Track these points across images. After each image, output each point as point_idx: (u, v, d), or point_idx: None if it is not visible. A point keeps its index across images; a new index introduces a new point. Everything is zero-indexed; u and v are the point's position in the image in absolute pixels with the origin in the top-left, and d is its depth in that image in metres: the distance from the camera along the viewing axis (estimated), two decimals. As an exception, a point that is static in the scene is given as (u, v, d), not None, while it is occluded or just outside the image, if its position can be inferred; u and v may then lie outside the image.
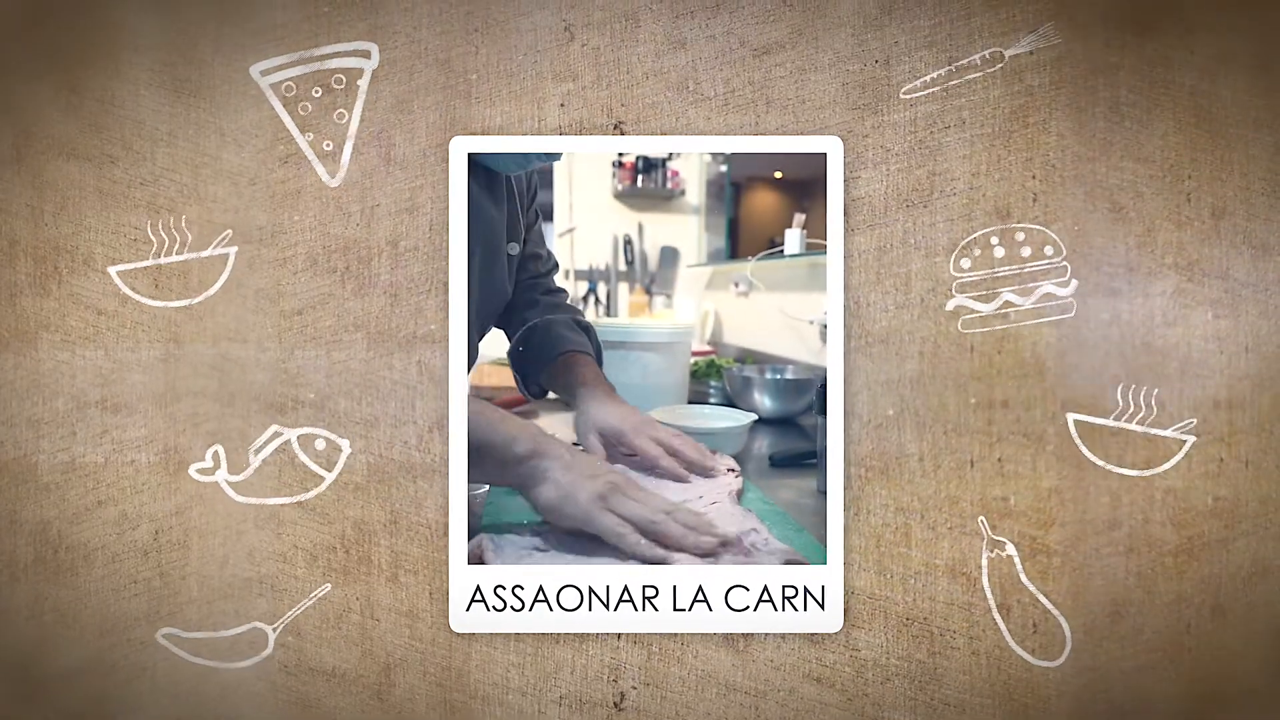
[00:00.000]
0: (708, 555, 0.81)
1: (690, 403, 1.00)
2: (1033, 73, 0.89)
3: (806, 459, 0.94)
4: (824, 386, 0.88)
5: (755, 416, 0.97)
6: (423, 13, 0.89)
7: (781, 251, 0.95)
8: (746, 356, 1.01)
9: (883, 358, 0.90)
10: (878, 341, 0.90)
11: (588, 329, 0.96)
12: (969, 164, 0.89)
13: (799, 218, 0.93)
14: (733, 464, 0.93)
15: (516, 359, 0.96)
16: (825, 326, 0.88)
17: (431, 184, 0.90)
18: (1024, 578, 0.88)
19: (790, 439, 0.98)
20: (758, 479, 0.94)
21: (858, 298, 0.90)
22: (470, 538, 0.86)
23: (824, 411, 0.89)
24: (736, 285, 1.00)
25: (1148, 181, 0.89)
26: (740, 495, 0.92)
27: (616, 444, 0.88)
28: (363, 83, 0.89)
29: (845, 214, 0.89)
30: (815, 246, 0.90)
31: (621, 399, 0.92)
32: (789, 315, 0.95)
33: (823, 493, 0.89)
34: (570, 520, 0.83)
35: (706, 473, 0.90)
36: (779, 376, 0.98)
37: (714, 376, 1.02)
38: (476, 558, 0.85)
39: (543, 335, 0.96)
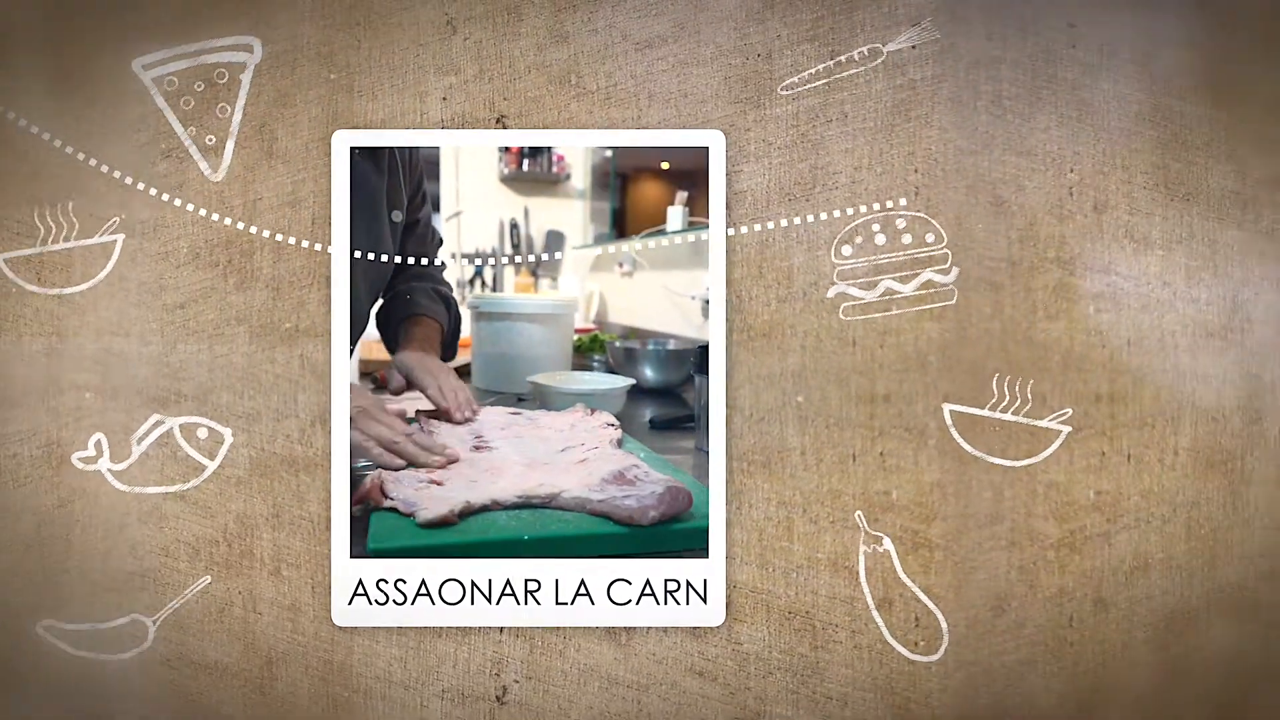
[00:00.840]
0: (438, 469, 0.93)
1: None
2: (915, 66, 0.89)
3: (685, 422, 0.99)
4: (702, 349, 0.90)
5: (633, 381, 1.03)
6: (305, 6, 0.89)
7: (664, 230, 0.96)
8: (630, 334, 1.04)
9: (765, 351, 0.89)
10: (760, 335, 0.90)
11: (447, 299, 1.01)
12: (850, 158, 0.89)
13: (681, 195, 0.94)
14: (611, 419, 1.00)
15: (379, 323, 1.00)
16: (707, 302, 0.89)
17: (314, 178, 0.89)
18: (901, 572, 0.88)
19: (671, 407, 1.01)
20: (639, 439, 1.00)
21: (740, 291, 0.90)
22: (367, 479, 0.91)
23: (703, 371, 0.90)
24: (621, 266, 1.01)
25: (1030, 175, 0.89)
26: (620, 443, 0.98)
27: (406, 377, 1.00)
28: (245, 77, 0.89)
29: (728, 207, 0.89)
30: (698, 223, 0.91)
31: (433, 355, 1.01)
32: (672, 291, 0.97)
33: (700, 450, 0.92)
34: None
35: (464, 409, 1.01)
36: (660, 348, 1.02)
37: (597, 350, 1.06)
38: (378, 488, 0.89)
39: (400, 302, 1.00)
